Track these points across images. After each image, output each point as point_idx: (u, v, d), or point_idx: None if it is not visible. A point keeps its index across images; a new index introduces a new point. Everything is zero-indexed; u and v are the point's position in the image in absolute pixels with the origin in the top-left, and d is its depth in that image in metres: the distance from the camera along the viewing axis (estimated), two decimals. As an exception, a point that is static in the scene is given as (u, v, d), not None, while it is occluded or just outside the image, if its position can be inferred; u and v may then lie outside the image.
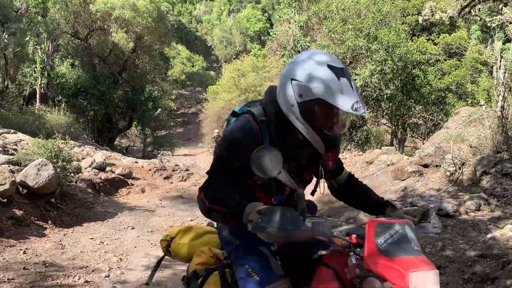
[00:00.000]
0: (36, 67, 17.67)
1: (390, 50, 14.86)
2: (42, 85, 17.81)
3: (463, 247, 4.65)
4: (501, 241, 4.47)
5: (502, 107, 7.66)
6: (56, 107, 17.62)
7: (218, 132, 15.71)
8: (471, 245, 4.65)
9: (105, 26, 20.72)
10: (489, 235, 4.68)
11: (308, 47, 17.19)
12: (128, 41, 21.03)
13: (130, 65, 22.54)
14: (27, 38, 17.56)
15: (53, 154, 7.51)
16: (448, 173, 7.88)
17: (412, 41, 17.79)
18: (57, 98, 18.60)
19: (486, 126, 8.23)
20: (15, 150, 8.72)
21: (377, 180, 9.42)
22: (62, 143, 7.85)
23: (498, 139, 7.65)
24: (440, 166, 8.38)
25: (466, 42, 20.98)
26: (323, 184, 2.09)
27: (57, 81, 18.46)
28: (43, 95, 18.05)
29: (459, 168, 7.64)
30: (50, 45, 18.06)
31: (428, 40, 20.98)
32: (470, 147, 8.15)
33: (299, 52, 17.68)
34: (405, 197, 7.59)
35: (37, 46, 17.94)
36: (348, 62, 16.01)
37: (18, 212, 6.45)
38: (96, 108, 19.16)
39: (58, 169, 7.36)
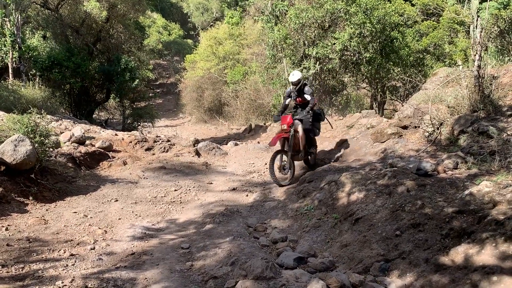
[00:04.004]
0: (6, 40, 16.99)
1: (369, 12, 14.76)
2: (13, 59, 17.21)
3: (441, 204, 4.79)
4: (477, 197, 4.62)
5: (479, 66, 7.75)
6: (31, 81, 17.11)
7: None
8: (449, 202, 4.79)
9: (76, -5, 20.00)
10: (466, 192, 4.83)
11: (286, 11, 16.92)
12: (101, 10, 20.34)
13: (104, 36, 21.89)
14: (-6, 10, 16.85)
15: (29, 129, 7.36)
16: (427, 134, 8.03)
17: (390, 2, 17.69)
18: (31, 72, 18.03)
19: (463, 86, 8.34)
20: (-10, 127, 8.50)
21: (358, 143, 9.54)
22: (38, 117, 7.67)
23: (474, 98, 7.78)
24: (419, 127, 8.52)
25: (443, 2, 20.95)
26: None
27: (29, 54, 17.83)
28: (15, 69, 17.47)
29: (437, 128, 7.78)
30: (19, 17, 17.36)
31: (406, 1, 20.90)
32: (448, 107, 8.28)
33: (277, 17, 17.46)
34: (385, 159, 7.72)
35: (5, 18, 17.22)
36: (327, 26, 15.86)
37: (-2, 189, 6.36)
38: (72, 81, 18.63)
39: (36, 145, 7.23)
